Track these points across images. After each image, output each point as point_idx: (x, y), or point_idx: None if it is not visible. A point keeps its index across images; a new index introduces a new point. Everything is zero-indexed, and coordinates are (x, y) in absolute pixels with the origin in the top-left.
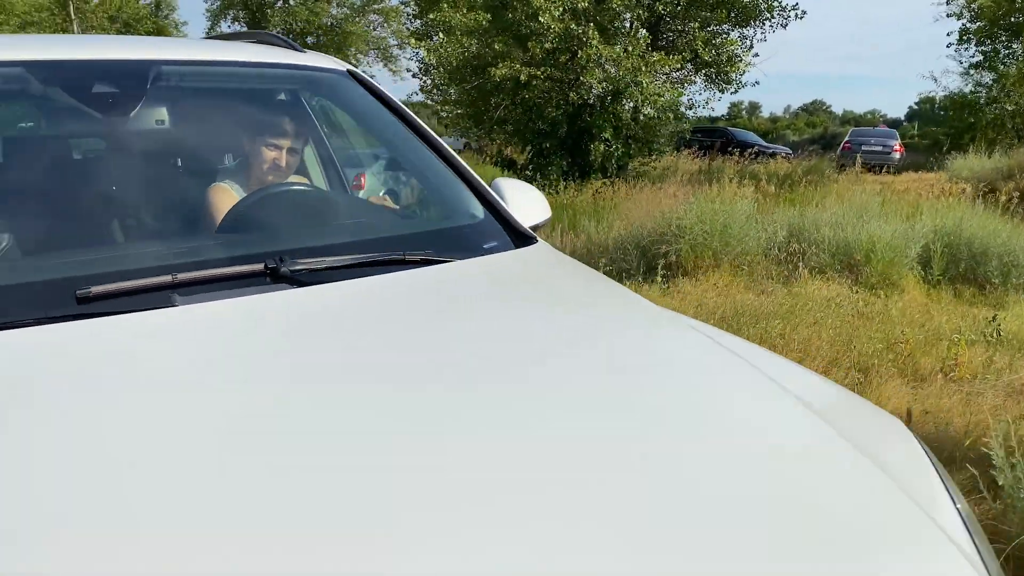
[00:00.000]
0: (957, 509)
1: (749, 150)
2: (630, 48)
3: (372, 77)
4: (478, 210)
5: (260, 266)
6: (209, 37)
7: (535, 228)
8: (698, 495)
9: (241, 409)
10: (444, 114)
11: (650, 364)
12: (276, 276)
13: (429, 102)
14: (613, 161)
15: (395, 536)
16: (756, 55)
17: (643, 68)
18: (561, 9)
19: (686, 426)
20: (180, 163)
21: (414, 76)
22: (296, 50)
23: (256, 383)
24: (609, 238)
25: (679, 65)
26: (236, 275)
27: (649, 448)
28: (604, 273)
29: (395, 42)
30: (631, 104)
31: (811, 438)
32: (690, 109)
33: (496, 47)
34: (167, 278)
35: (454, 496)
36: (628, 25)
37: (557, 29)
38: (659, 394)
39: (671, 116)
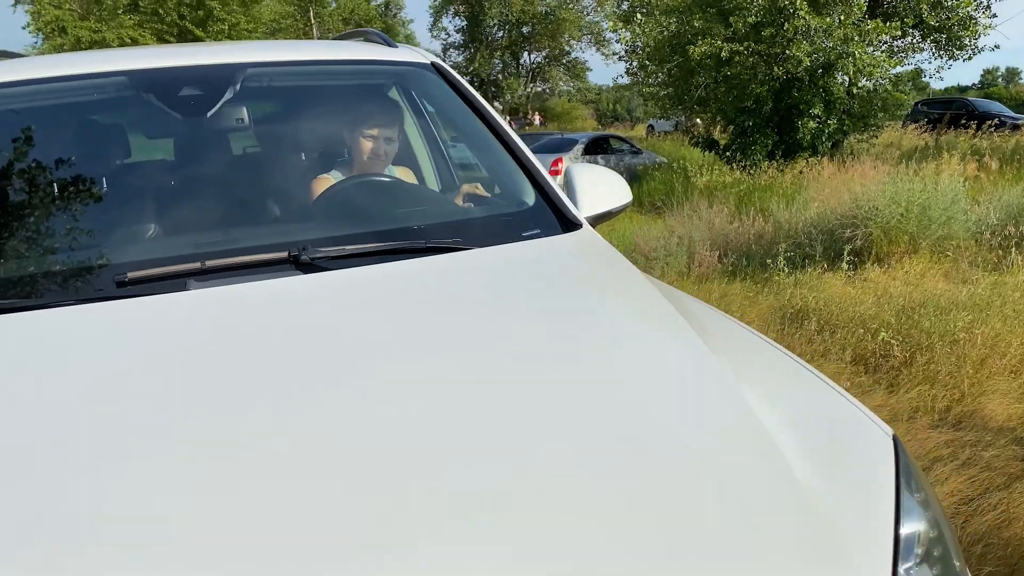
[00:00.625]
0: (897, 535)
1: (989, 122)
2: (843, 17)
3: (584, 62)
4: (531, 197)
5: (284, 254)
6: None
7: (609, 214)
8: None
9: (167, 401)
10: (646, 96)
11: (610, 376)
12: (297, 263)
13: (633, 84)
14: (824, 138)
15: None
16: (995, 16)
17: (856, 38)
18: None
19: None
20: (285, 157)
21: (620, 59)
22: (390, 46)
23: (195, 368)
24: (800, 220)
25: (899, 33)
26: (260, 262)
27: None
28: (784, 258)
29: (606, 25)
30: (844, 77)
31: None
32: (915, 79)
33: (695, 24)
34: (192, 265)
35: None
36: None
37: (761, 2)
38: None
39: (892, 88)
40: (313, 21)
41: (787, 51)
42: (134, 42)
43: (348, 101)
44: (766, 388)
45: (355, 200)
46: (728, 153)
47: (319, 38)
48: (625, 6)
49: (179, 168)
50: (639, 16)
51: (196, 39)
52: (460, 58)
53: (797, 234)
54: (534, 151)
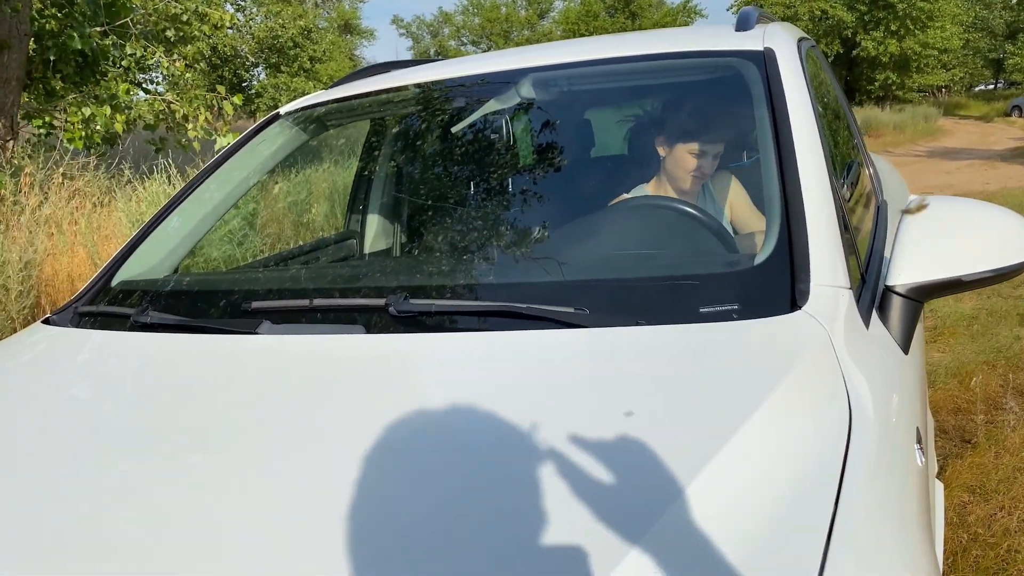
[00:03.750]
0: None
1: None
2: None
3: None
4: (768, 249)
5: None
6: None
7: (957, 284)
8: None
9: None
10: None
11: None
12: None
13: None
14: None
15: None
16: None
17: None
18: None
19: None
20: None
21: None
22: (744, 28)
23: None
24: None
25: None
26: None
27: None
28: None
29: None
30: None
31: None
32: None
33: None
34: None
35: None
36: None
37: None
38: None
39: None
40: None
41: None
42: (824, 14)
43: (655, 106)
44: None
45: (586, 236)
46: None
47: None
48: None
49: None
50: None
51: (888, 5)
52: None
53: None
54: None
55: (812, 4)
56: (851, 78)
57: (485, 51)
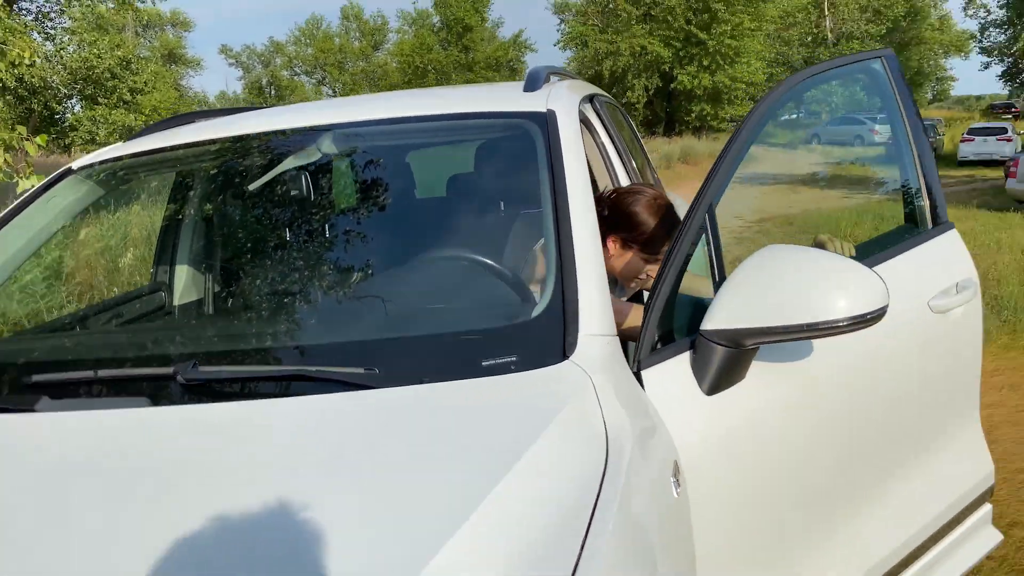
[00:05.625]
0: None
1: None
2: None
3: None
4: (544, 301)
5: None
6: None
7: (782, 333)
8: None
9: None
10: None
11: None
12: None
13: None
14: None
15: None
16: None
17: None
18: None
19: None
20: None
21: None
22: (529, 87)
23: None
24: None
25: None
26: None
27: None
28: None
29: None
30: None
31: None
32: None
33: None
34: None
35: None
36: None
37: None
38: None
39: None
40: (827, 12)
41: None
42: (643, 50)
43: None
44: None
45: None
46: None
47: (831, 30)
48: None
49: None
50: None
51: (700, 42)
52: (1001, 37)
53: None
54: None
55: (632, 40)
56: (670, 110)
57: (319, 82)
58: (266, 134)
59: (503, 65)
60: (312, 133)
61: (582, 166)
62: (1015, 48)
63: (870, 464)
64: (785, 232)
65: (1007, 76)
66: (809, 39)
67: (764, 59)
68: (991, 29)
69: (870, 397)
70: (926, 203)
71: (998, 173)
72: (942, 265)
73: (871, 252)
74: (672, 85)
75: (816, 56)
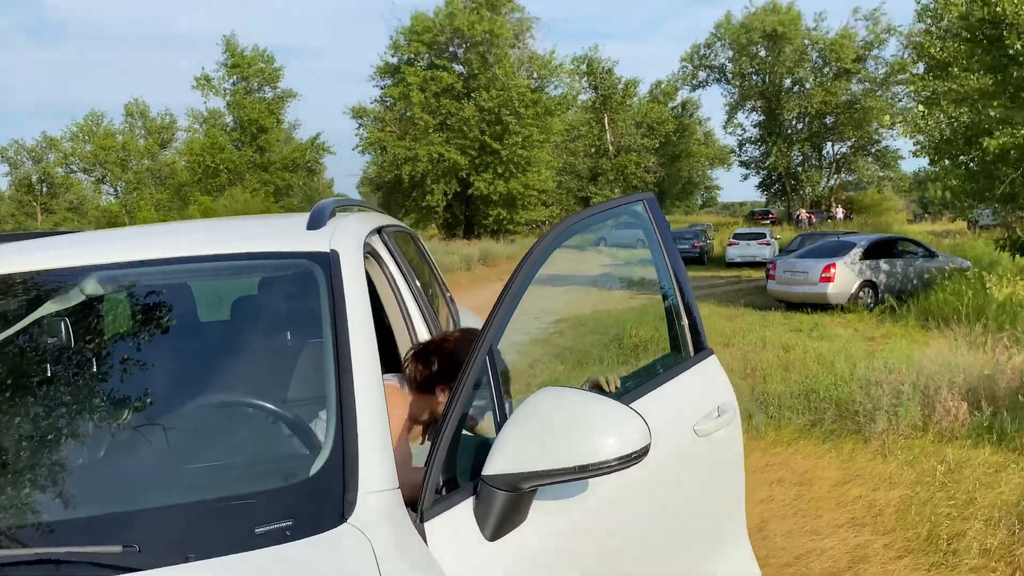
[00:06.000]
0: None
1: None
2: None
3: (895, 150)
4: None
5: None
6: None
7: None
8: None
9: None
10: (951, 191)
11: None
12: None
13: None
14: None
15: None
16: None
17: None
18: None
19: None
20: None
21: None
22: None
23: None
24: None
25: None
26: None
27: None
28: None
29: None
30: None
31: None
32: None
33: (992, 113)
34: None
35: None
36: None
37: None
38: None
39: None
40: (608, 127)
41: None
42: (441, 157)
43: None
44: None
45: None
46: None
47: (612, 143)
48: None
49: None
50: (920, 108)
51: (494, 151)
52: (756, 152)
53: None
54: (804, 255)
55: (430, 148)
56: (469, 213)
57: (98, 180)
58: (22, 274)
59: (300, 167)
60: (74, 273)
61: (365, 309)
62: (767, 163)
63: None
64: (578, 333)
65: (763, 186)
66: (593, 150)
67: (553, 168)
68: (747, 145)
69: (645, 520)
70: (687, 332)
71: (761, 273)
72: (704, 391)
73: (642, 381)
74: (469, 191)
75: (599, 166)
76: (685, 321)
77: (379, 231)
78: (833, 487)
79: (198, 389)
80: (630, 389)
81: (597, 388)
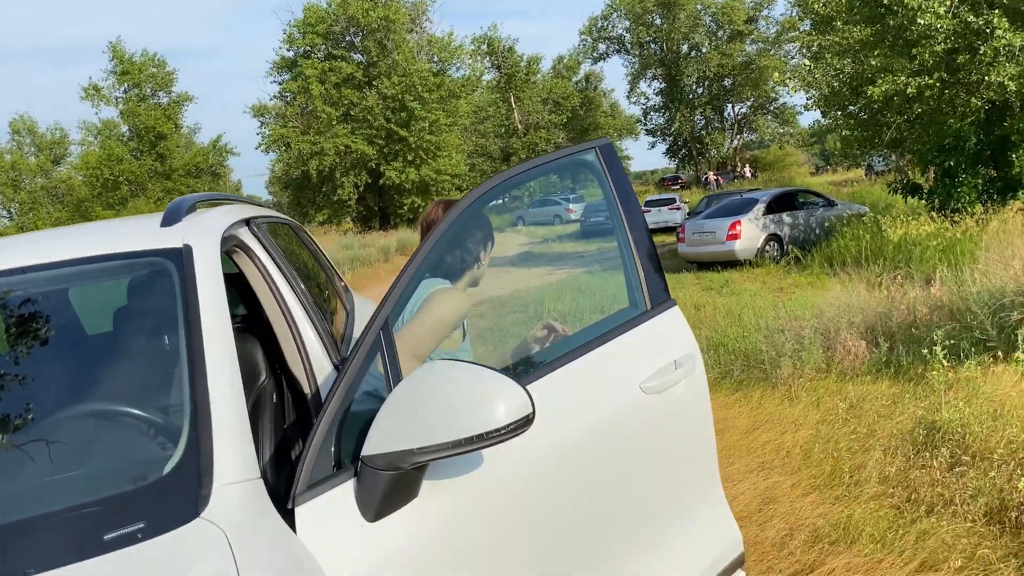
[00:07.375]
0: None
1: None
2: None
3: (793, 107)
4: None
5: None
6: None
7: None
8: None
9: None
10: (842, 141)
11: None
12: None
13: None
14: None
15: None
16: None
17: None
18: (949, 3)
19: None
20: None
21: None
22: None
23: None
24: (980, 291)
25: None
26: None
27: None
28: (943, 345)
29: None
30: None
31: None
32: None
33: (873, 63)
34: None
35: None
36: None
37: (949, 25)
38: None
39: None
40: (514, 106)
41: (987, 76)
42: (347, 149)
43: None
44: None
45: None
46: (932, 199)
47: (520, 122)
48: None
49: None
50: (807, 62)
51: (401, 139)
52: (661, 120)
53: (962, 313)
54: (710, 216)
55: (336, 140)
56: (383, 204)
57: None
58: None
59: (204, 171)
60: None
61: (220, 300)
62: (672, 129)
63: (598, 553)
64: (498, 313)
65: (670, 152)
66: (502, 130)
67: (464, 151)
68: (652, 113)
69: (583, 490)
70: (644, 284)
71: (672, 238)
72: (660, 344)
73: (595, 334)
74: (381, 181)
75: (510, 145)
76: (642, 273)
77: (247, 223)
78: (744, 435)
79: (56, 400)
80: (576, 343)
81: (551, 330)
